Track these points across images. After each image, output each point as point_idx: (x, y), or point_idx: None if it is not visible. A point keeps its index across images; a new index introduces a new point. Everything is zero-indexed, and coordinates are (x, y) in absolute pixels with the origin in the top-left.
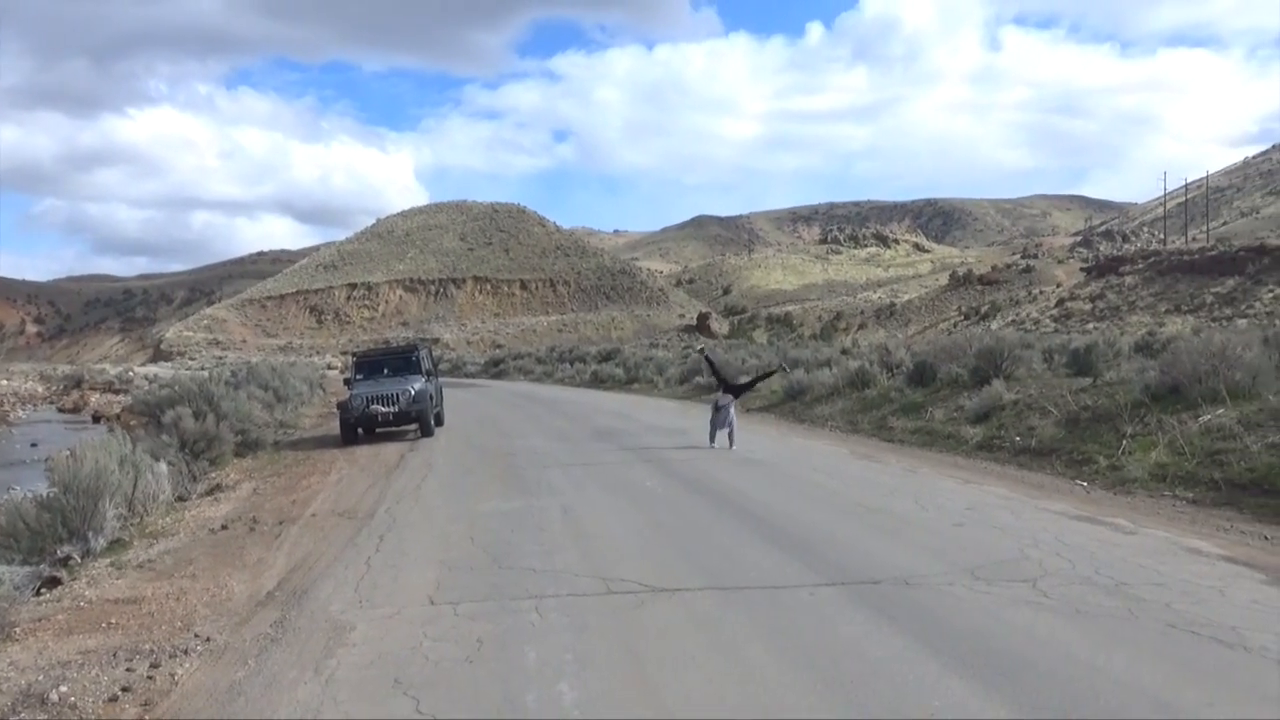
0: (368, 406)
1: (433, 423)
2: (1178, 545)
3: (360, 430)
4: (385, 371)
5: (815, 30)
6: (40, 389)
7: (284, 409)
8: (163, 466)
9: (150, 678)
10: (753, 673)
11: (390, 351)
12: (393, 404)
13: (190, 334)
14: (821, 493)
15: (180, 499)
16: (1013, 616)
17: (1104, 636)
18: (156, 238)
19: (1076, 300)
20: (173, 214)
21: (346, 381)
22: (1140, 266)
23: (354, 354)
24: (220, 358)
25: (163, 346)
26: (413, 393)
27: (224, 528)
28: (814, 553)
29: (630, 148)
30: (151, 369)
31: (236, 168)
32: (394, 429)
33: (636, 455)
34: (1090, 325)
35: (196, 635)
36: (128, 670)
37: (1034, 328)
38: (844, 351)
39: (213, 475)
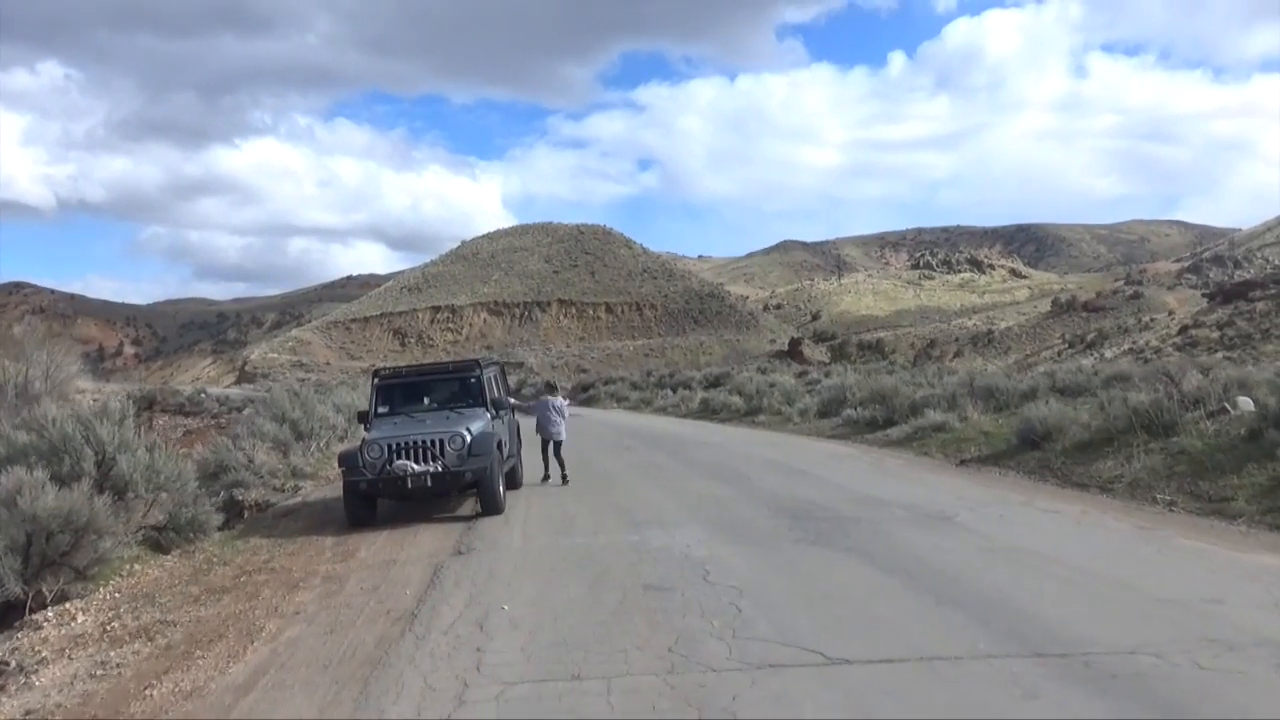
0: (389, 461)
1: (501, 490)
2: None
3: (382, 497)
4: (426, 402)
5: (897, 60)
6: None
7: (303, 449)
8: None
9: None
10: None
11: (434, 370)
12: (433, 458)
13: (275, 355)
14: None
15: None
16: None
17: None
18: (254, 263)
19: (1202, 328)
20: (271, 240)
21: (361, 416)
22: (1273, 291)
23: (378, 372)
24: (303, 379)
25: (247, 368)
26: (467, 438)
27: None
28: None
29: (713, 175)
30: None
31: (332, 196)
32: (435, 495)
33: (935, 595)
34: (1220, 355)
35: None
36: None
37: (1154, 357)
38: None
39: (48, 613)
